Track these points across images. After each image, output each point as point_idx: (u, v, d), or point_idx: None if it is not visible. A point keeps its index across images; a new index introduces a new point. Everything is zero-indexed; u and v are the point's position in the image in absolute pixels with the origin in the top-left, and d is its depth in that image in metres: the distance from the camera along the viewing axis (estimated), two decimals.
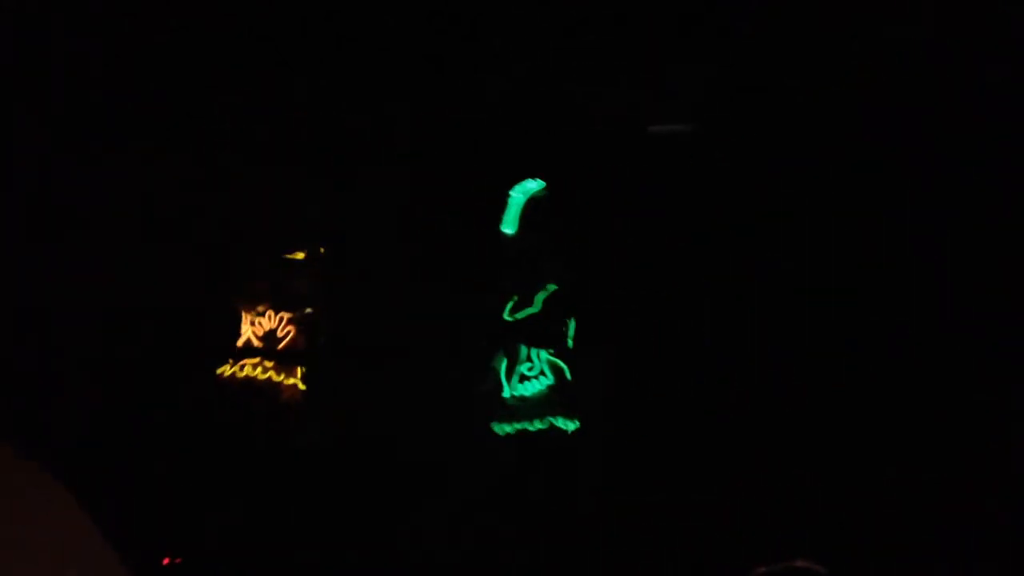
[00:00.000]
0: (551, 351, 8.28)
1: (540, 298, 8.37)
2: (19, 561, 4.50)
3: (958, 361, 8.20)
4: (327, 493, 8.32)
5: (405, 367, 8.47)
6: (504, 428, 8.29)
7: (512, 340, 8.32)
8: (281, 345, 9.10)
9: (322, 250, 9.19)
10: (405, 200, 8.91)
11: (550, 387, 8.25)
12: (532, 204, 8.63)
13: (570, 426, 8.18)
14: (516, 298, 8.42)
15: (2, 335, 8.54)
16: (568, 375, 8.28)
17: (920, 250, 8.61)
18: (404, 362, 8.47)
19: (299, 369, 9.04)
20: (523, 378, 8.33)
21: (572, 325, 8.29)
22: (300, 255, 9.23)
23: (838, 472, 8.08)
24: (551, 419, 8.13)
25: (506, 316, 8.40)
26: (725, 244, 8.66)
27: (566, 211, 8.54)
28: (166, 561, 7.84)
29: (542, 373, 8.29)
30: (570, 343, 8.29)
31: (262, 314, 9.12)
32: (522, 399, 8.28)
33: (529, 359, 8.34)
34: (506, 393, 8.33)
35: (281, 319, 9.08)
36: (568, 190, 8.59)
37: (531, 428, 8.05)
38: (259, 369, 8.98)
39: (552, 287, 8.43)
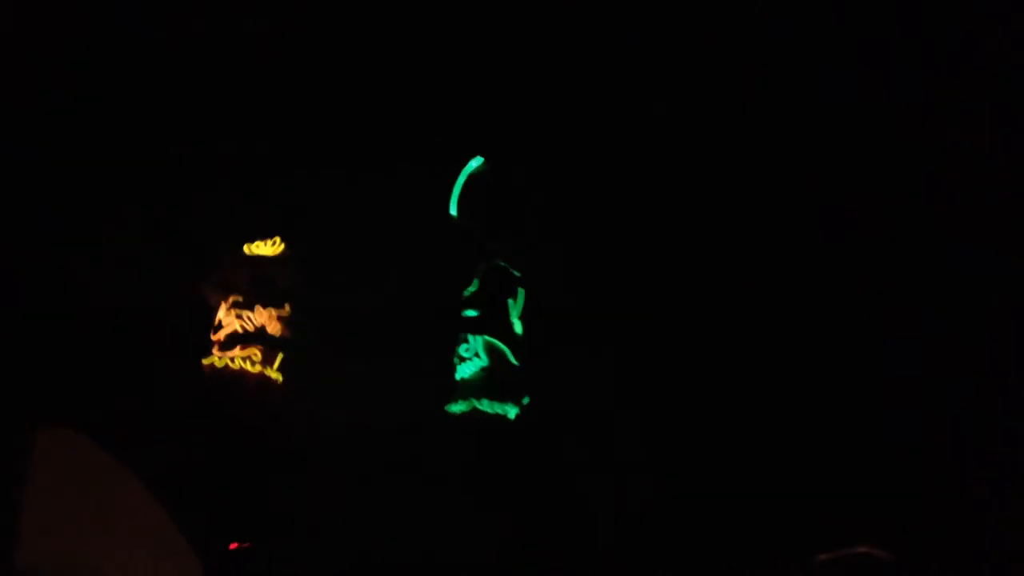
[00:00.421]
0: (487, 332, 7.76)
1: (478, 277, 8.11)
2: (99, 541, 4.21)
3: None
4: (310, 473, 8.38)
5: (373, 353, 8.59)
6: (452, 408, 8.19)
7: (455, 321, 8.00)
8: (273, 338, 8.96)
9: (295, 245, 9.16)
10: (372, 192, 8.84)
11: (484, 369, 8.04)
12: (472, 182, 8.34)
13: (497, 409, 7.77)
14: (475, 280, 8.18)
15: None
16: (511, 358, 7.82)
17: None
18: (372, 348, 8.60)
19: (279, 358, 9.14)
20: (461, 359, 8.13)
21: (515, 305, 7.92)
22: (277, 250, 9.22)
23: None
24: (474, 402, 7.87)
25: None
26: (676, 222, 8.45)
27: (509, 188, 8.29)
28: (233, 545, 7.95)
29: (476, 355, 7.99)
30: (516, 325, 7.84)
31: (247, 307, 9.00)
32: (462, 381, 8.12)
33: (466, 340, 8.03)
34: (456, 375, 8.19)
35: (270, 314, 9.01)
36: (514, 167, 8.40)
37: (455, 411, 7.69)
38: (248, 362, 9.04)
39: (498, 264, 8.17)
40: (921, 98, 9.77)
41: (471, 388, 8.05)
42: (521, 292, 8.24)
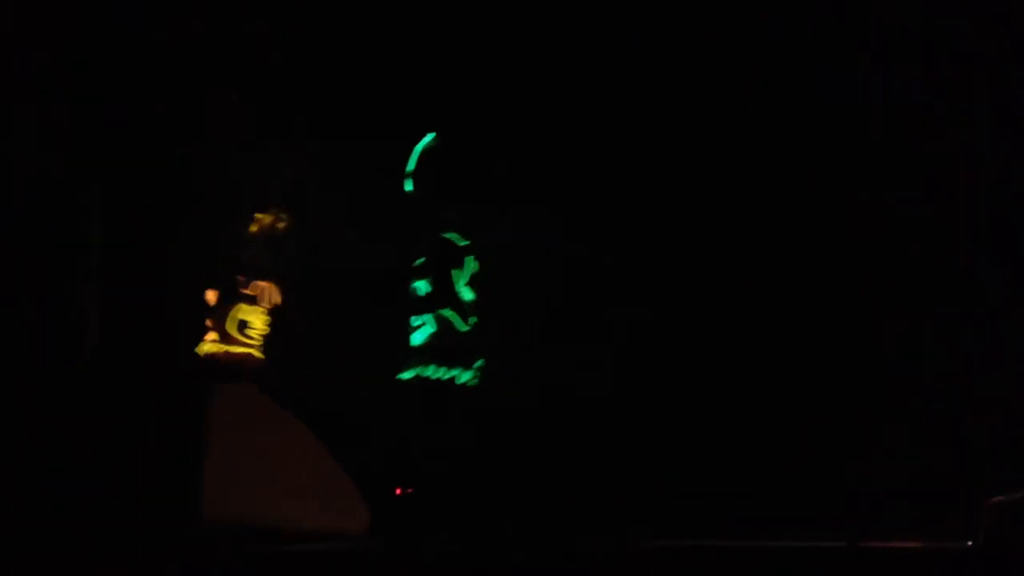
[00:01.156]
0: (434, 300, 8.60)
1: (429, 248, 8.26)
2: (273, 490, 4.51)
3: None
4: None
5: (335, 324, 9.00)
6: (401, 376, 8.59)
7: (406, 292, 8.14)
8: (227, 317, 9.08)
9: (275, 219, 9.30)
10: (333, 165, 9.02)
11: (432, 336, 8.50)
12: (425, 157, 8.93)
13: (445, 375, 7.84)
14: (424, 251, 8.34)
15: None
16: (459, 324, 8.43)
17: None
18: (334, 318, 9.02)
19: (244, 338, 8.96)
20: (412, 328, 8.61)
21: (462, 273, 7.99)
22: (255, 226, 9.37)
23: None
24: (421, 368, 8.42)
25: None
26: (621, 193, 8.58)
27: (460, 161, 8.96)
28: (399, 491, 8.22)
29: (424, 323, 8.55)
30: (464, 292, 8.38)
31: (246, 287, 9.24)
32: (415, 348, 8.58)
33: (417, 310, 8.68)
34: (411, 343, 8.65)
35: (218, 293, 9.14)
36: (465, 141, 8.60)
37: (404, 377, 7.80)
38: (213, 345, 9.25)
39: (451, 236, 8.31)
40: (921, 98, 9.68)
41: (421, 355, 8.42)
42: (469, 260, 8.47)
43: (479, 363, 8.40)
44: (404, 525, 7.57)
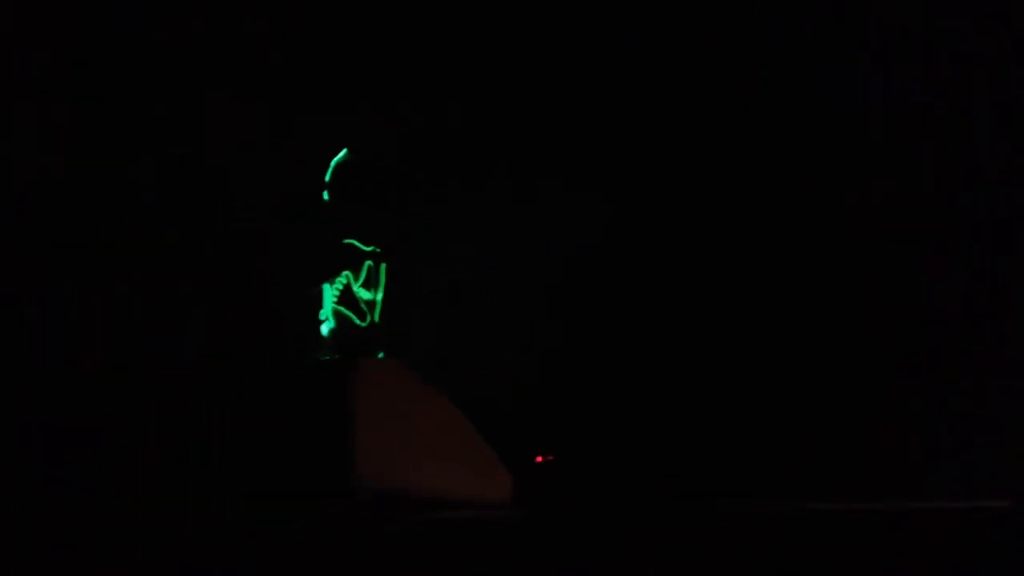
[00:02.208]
0: (335, 298, 9.39)
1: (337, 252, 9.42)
2: (419, 457, 7.35)
3: None
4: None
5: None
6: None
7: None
8: None
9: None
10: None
11: (331, 331, 9.36)
12: (339, 170, 9.64)
13: None
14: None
15: None
16: (356, 320, 9.35)
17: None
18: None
19: None
20: (320, 322, 9.47)
21: (359, 277, 9.33)
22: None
23: None
24: (323, 359, 9.22)
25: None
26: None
27: (366, 174, 9.67)
28: (539, 459, 8.85)
29: (327, 318, 9.40)
30: (360, 292, 9.37)
31: None
32: (323, 338, 9.44)
33: (322, 305, 9.48)
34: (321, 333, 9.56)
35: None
36: (375, 155, 9.74)
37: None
38: None
39: (349, 242, 9.48)
40: (921, 98, 9.69)
41: (325, 348, 9.31)
42: (367, 264, 9.43)
43: (380, 356, 9.13)
44: (545, 493, 8.15)
